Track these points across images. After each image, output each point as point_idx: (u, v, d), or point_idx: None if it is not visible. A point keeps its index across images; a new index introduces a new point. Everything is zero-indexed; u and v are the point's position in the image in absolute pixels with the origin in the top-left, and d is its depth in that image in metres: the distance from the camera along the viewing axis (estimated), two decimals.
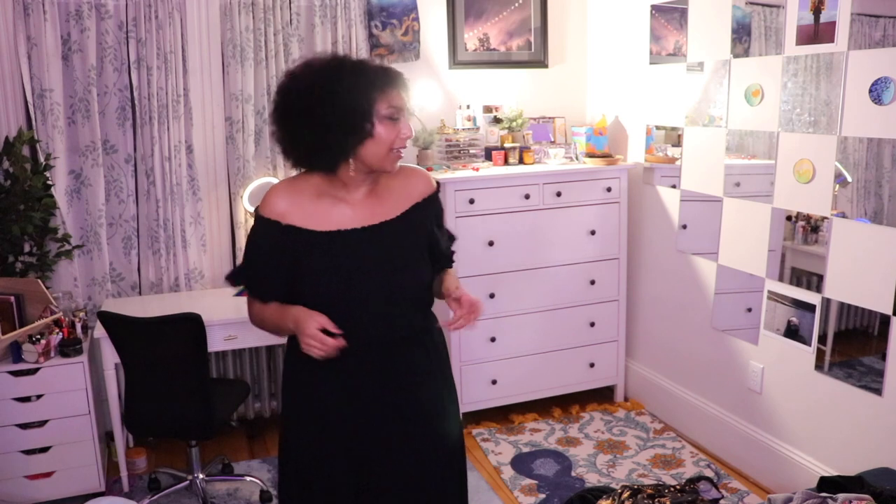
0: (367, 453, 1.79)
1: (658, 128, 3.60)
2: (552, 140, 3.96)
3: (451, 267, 1.91)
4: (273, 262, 1.74)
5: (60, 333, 2.97)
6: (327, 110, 1.61)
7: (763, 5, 2.90)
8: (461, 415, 2.13)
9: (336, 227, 1.71)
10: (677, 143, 3.46)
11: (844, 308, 2.65)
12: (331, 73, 1.64)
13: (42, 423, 2.94)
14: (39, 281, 2.98)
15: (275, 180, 3.51)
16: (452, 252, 1.92)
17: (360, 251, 1.72)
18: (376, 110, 1.64)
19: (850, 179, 2.59)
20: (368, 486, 1.81)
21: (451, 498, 1.92)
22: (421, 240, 1.80)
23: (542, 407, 3.82)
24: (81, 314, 3.12)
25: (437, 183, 1.87)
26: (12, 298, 2.93)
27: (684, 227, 3.49)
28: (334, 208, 1.72)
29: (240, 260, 3.53)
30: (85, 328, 3.12)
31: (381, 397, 1.78)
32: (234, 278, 1.91)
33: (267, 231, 1.72)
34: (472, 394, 3.63)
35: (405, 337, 1.79)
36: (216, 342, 3.07)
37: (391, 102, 1.65)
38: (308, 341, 1.63)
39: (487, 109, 3.85)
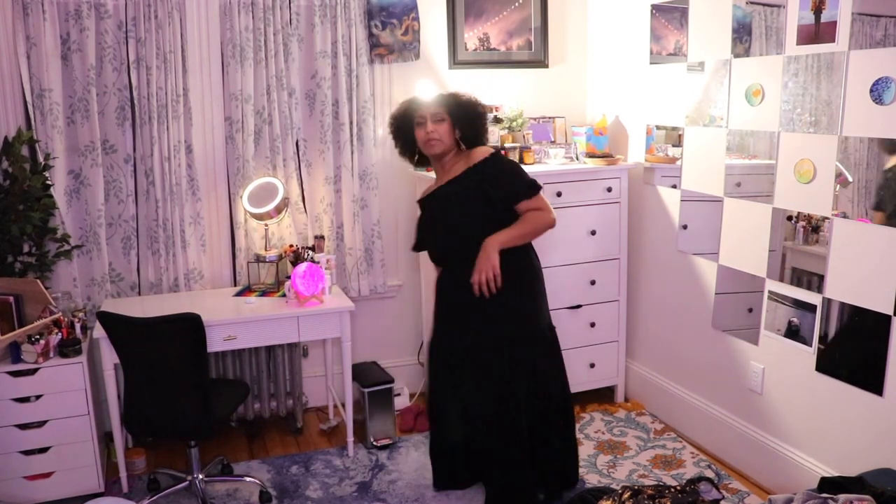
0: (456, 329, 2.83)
1: (658, 128, 3.60)
2: (552, 140, 3.96)
3: (518, 204, 2.70)
4: (418, 228, 2.96)
5: (59, 334, 2.97)
6: (393, 135, 2.92)
7: (764, 5, 2.90)
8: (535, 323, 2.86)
9: (430, 192, 2.87)
10: (678, 143, 3.46)
11: (845, 308, 2.65)
12: (392, 114, 2.92)
13: (41, 424, 2.94)
14: (38, 281, 2.98)
15: (274, 180, 3.51)
16: (520, 196, 2.70)
17: (436, 203, 2.81)
18: (414, 126, 2.79)
19: (850, 179, 2.59)
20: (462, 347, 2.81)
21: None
22: (472, 192, 2.70)
23: None
24: (81, 314, 3.12)
25: (496, 151, 2.82)
26: (11, 299, 2.92)
27: (685, 227, 3.48)
28: (432, 186, 2.87)
29: (239, 261, 3.63)
30: (84, 328, 3.12)
31: (453, 294, 2.81)
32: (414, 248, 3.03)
33: (420, 207, 2.93)
34: None
35: (464, 258, 2.70)
36: (215, 342, 3.07)
37: (417, 118, 2.78)
38: None
39: (487, 109, 3.84)
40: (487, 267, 2.63)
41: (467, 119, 2.78)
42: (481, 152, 2.77)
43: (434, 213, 2.83)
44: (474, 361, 2.78)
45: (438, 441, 3.04)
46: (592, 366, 3.83)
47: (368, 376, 3.59)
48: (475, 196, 2.70)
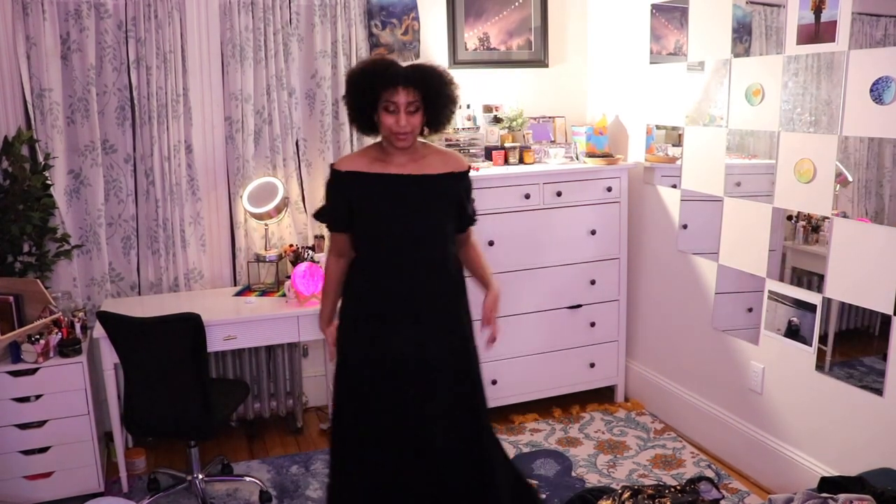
0: (401, 339, 2.33)
1: (658, 127, 3.60)
2: (552, 140, 3.96)
3: (468, 228, 2.47)
4: (342, 200, 2.33)
5: (59, 333, 2.97)
6: (348, 100, 2.27)
7: (764, 5, 2.90)
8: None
9: (387, 173, 2.29)
10: (678, 142, 3.46)
11: (845, 308, 2.65)
12: (353, 73, 2.26)
13: (41, 424, 2.94)
14: (38, 281, 2.98)
15: (274, 180, 3.51)
16: (473, 221, 2.48)
17: (403, 191, 2.29)
18: (380, 103, 2.19)
19: (850, 179, 2.59)
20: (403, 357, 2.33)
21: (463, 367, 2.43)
22: (450, 197, 2.36)
23: (542, 407, 3.81)
24: (81, 314, 3.12)
25: (469, 166, 2.45)
26: (11, 298, 2.92)
27: (685, 226, 3.48)
28: (386, 166, 2.31)
29: (239, 260, 3.61)
30: (84, 328, 3.12)
31: (409, 301, 2.32)
32: (317, 215, 2.47)
33: (336, 178, 2.33)
34: None
35: (426, 260, 2.33)
36: (215, 342, 3.07)
37: (388, 99, 2.18)
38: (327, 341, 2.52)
39: (487, 109, 3.84)
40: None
41: (440, 109, 2.27)
42: (458, 160, 2.41)
43: (397, 201, 2.31)
44: (444, 382, 2.36)
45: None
46: (592, 366, 3.83)
47: None
48: (452, 204, 2.37)
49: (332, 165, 2.37)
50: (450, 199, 2.36)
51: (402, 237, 2.31)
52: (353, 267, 2.39)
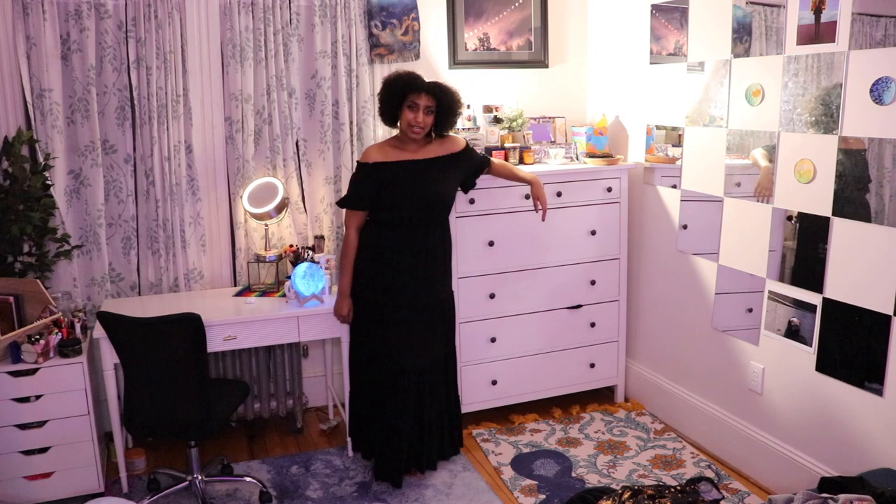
0: (411, 280, 3.09)
1: (658, 128, 3.60)
2: (552, 140, 3.96)
3: (488, 166, 3.31)
4: (367, 189, 3.04)
5: (59, 334, 2.97)
6: (381, 97, 3.04)
7: (764, 5, 2.90)
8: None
9: (405, 159, 3.04)
10: (678, 142, 3.46)
11: (845, 308, 2.65)
12: (390, 78, 3.04)
13: (41, 424, 2.94)
14: (38, 281, 2.98)
15: (274, 180, 3.51)
16: (486, 160, 3.31)
17: (417, 172, 3.04)
18: (405, 102, 2.96)
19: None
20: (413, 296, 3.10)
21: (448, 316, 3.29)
22: (453, 173, 3.14)
23: (542, 407, 3.81)
24: (81, 314, 3.12)
25: (466, 142, 3.24)
26: (11, 299, 2.93)
27: (685, 227, 3.48)
28: (402, 153, 3.06)
29: (239, 261, 3.63)
30: (84, 328, 3.12)
31: (421, 250, 3.08)
32: (341, 203, 3.17)
33: (366, 168, 3.04)
34: (472, 394, 3.62)
35: (433, 222, 3.10)
36: (215, 342, 3.07)
37: (412, 100, 2.96)
38: (337, 313, 3.18)
39: (487, 109, 3.85)
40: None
41: (447, 119, 3.07)
42: (458, 142, 3.17)
43: (415, 179, 3.03)
44: (443, 314, 3.20)
45: (398, 426, 3.10)
46: (592, 366, 3.83)
47: None
48: (455, 176, 3.16)
49: (359, 161, 3.08)
50: (455, 173, 3.15)
51: (421, 202, 3.02)
52: (378, 228, 3.06)
